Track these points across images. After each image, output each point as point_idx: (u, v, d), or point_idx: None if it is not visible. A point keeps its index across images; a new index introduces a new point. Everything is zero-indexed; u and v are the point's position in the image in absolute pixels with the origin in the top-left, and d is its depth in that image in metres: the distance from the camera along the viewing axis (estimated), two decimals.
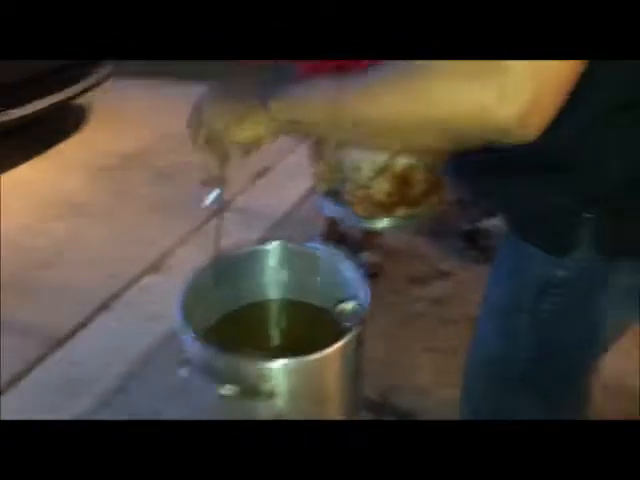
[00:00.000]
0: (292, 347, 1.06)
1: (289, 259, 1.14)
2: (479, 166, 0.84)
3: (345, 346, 0.93)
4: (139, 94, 4.17)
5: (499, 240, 0.95)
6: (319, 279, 1.10)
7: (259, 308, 1.16)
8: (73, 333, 2.11)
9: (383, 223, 1.71)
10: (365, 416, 1.12)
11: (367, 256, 2.27)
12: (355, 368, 1.02)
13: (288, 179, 3.00)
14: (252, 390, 0.91)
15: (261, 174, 3.08)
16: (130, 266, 2.40)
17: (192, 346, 0.96)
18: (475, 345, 1.03)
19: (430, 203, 1.48)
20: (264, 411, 0.96)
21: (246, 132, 0.87)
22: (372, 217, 1.72)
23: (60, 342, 2.07)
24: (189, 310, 0.99)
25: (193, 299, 1.02)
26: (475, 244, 2.38)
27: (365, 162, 1.51)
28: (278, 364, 0.93)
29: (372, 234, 2.28)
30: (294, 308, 1.15)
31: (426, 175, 1.46)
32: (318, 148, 1.79)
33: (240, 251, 1.14)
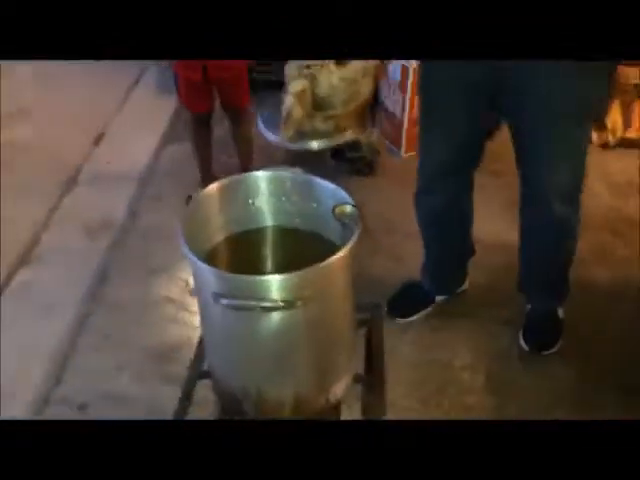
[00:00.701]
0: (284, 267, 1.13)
1: (279, 186, 1.20)
2: None
3: (353, 247, 1.03)
4: None
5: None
6: (314, 205, 1.17)
7: (253, 235, 1.22)
8: None
9: (307, 145, 1.86)
10: None
11: None
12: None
13: (128, 139, 2.74)
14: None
15: (98, 140, 2.77)
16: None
17: (201, 268, 1.03)
18: None
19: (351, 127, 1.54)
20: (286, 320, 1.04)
21: None
22: (295, 140, 1.87)
23: None
24: (188, 235, 1.05)
25: (190, 225, 1.09)
26: (343, 158, 2.45)
27: (289, 90, 1.59)
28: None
29: None
30: (286, 234, 1.22)
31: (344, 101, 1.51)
32: None
33: (231, 180, 1.19)
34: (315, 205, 1.18)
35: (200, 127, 2.22)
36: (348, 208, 1.09)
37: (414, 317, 1.88)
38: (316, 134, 1.36)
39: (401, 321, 1.87)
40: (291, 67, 1.36)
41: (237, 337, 1.09)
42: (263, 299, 0.99)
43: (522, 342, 1.80)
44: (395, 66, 2.41)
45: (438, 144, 1.57)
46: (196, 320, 1.86)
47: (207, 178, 2.35)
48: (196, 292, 1.16)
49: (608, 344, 1.81)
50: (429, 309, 1.90)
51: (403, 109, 2.46)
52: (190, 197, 2.09)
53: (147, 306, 1.99)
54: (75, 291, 2.00)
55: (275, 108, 1.46)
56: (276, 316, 1.02)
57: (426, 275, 1.89)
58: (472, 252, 1.88)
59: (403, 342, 1.81)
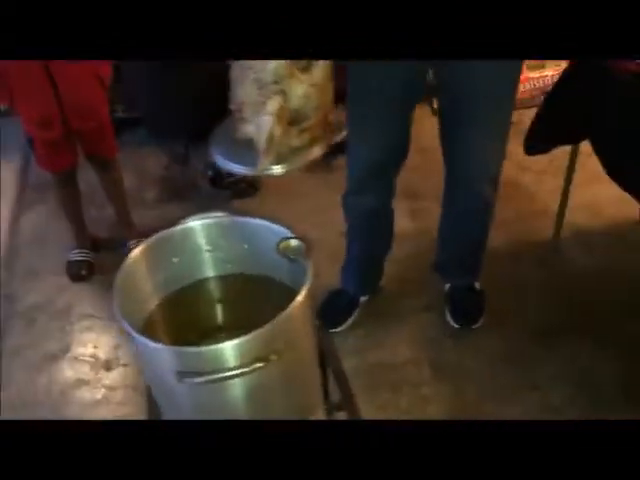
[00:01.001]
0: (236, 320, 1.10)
1: (212, 234, 1.13)
2: None
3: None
4: None
5: None
6: (246, 246, 1.11)
7: (195, 288, 1.14)
8: None
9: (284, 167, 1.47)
10: None
11: None
12: None
13: None
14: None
15: None
16: None
17: (157, 349, 0.93)
18: None
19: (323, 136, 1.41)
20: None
21: None
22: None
23: None
24: (125, 303, 0.96)
25: (127, 290, 1.00)
26: (223, 185, 2.46)
27: (268, 111, 1.38)
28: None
29: None
30: (229, 281, 1.15)
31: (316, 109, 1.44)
32: None
33: (156, 238, 1.10)
34: (246, 246, 1.11)
35: (66, 186, 2.01)
36: (293, 242, 1.03)
37: (346, 325, 1.87)
38: (290, 153, 1.27)
39: (334, 330, 1.84)
40: (246, 90, 1.25)
41: (210, 407, 0.99)
42: (239, 365, 0.90)
43: (451, 321, 1.85)
44: None
45: (369, 145, 1.56)
46: (128, 397, 1.70)
47: (82, 239, 2.15)
48: (149, 373, 1.03)
49: (523, 304, 1.92)
50: (356, 313, 1.89)
51: None
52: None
53: (61, 396, 1.76)
54: None
55: (227, 137, 1.35)
56: (252, 376, 0.93)
57: (349, 278, 1.89)
58: (389, 248, 1.89)
59: (345, 352, 1.78)
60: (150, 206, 2.44)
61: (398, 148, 1.61)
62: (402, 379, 1.71)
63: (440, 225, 1.82)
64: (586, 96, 1.58)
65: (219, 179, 2.40)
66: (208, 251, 1.10)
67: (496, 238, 2.10)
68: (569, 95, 1.66)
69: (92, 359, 1.84)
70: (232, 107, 1.33)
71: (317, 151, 1.29)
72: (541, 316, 1.86)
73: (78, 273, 2.08)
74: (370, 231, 1.77)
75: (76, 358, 1.85)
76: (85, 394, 1.74)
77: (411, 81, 1.48)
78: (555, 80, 2.67)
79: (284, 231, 1.04)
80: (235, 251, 1.10)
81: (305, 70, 1.21)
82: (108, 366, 1.81)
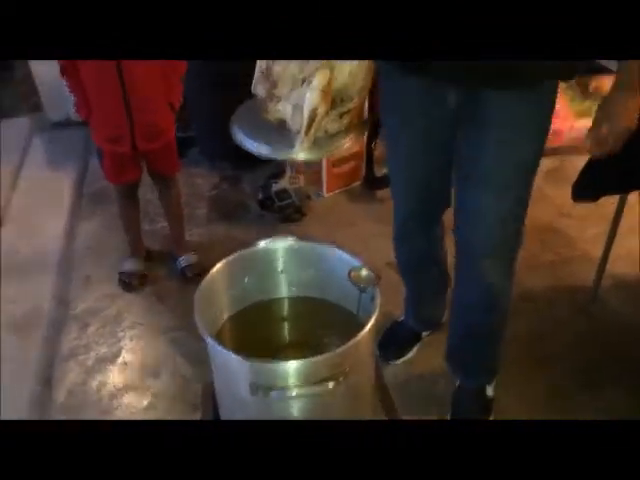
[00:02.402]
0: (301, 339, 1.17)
1: (286, 257, 1.19)
2: None
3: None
4: None
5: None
6: (316, 271, 1.16)
7: (265, 306, 1.21)
8: None
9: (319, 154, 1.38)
10: None
11: None
12: None
13: (33, 222, 2.55)
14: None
15: None
16: None
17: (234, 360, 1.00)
18: None
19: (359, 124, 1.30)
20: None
21: None
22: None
23: None
24: (203, 314, 1.04)
25: (206, 301, 1.08)
26: (272, 208, 2.51)
27: (314, 86, 1.23)
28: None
29: None
30: (297, 303, 1.22)
31: (359, 91, 1.25)
32: None
33: (246, 252, 1.18)
34: (317, 271, 1.17)
35: (128, 199, 2.11)
36: (364, 272, 1.08)
37: (406, 357, 1.88)
38: (325, 138, 1.15)
39: (395, 362, 1.86)
40: (285, 64, 1.13)
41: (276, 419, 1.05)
42: (309, 382, 0.97)
43: None
44: None
45: (407, 197, 1.54)
46: (173, 405, 1.76)
47: (137, 250, 2.25)
48: (221, 381, 1.10)
49: (562, 350, 1.93)
50: (416, 347, 1.90)
51: None
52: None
53: (109, 400, 1.84)
54: (17, 401, 1.79)
55: (253, 118, 1.24)
56: (320, 394, 1.00)
57: (409, 312, 1.90)
58: (449, 284, 1.81)
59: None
60: (199, 224, 2.53)
61: (439, 198, 1.56)
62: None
63: (451, 311, 1.67)
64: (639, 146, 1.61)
65: (269, 202, 2.49)
66: (280, 273, 1.17)
67: (535, 281, 2.15)
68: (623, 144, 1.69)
69: (141, 366, 1.92)
70: (257, 89, 1.21)
71: (353, 138, 1.15)
72: (579, 364, 1.86)
73: (131, 283, 2.17)
74: (422, 273, 1.76)
75: (126, 364, 1.93)
76: (133, 400, 1.82)
77: (442, 131, 1.36)
78: None
79: (354, 260, 1.11)
80: (305, 275, 1.17)
81: None
82: (155, 374, 1.88)
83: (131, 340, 2.01)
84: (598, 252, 2.09)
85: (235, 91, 2.50)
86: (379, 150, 2.62)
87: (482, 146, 1.29)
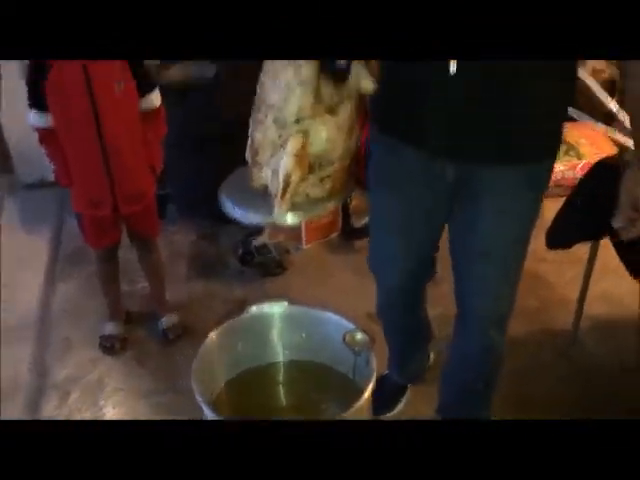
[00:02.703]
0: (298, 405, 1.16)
1: (278, 323, 1.19)
2: None
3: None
4: None
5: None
6: (309, 335, 1.17)
7: (260, 371, 1.22)
8: None
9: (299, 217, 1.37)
10: None
11: None
12: None
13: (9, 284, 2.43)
14: None
15: None
16: None
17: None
18: None
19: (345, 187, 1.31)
20: None
21: None
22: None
23: None
24: (200, 383, 1.05)
25: (202, 370, 1.09)
26: (252, 263, 2.51)
27: (287, 151, 1.25)
28: None
29: None
30: (291, 367, 1.23)
31: (341, 156, 1.25)
32: None
33: (239, 318, 1.19)
34: (310, 335, 1.18)
35: (107, 262, 2.10)
36: (358, 335, 1.09)
37: (396, 409, 1.88)
38: (307, 203, 1.15)
39: (386, 416, 1.84)
40: (265, 131, 1.13)
41: None
42: None
43: None
44: None
45: (393, 264, 1.50)
46: None
47: (117, 312, 2.22)
48: None
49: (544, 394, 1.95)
50: (404, 399, 1.90)
51: None
52: None
53: None
54: None
55: (240, 186, 1.23)
56: None
57: (394, 369, 1.89)
58: (431, 337, 1.86)
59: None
60: (179, 281, 2.50)
61: (426, 270, 1.58)
62: None
63: (443, 368, 1.72)
64: (608, 195, 1.66)
65: (249, 257, 2.49)
66: (274, 338, 1.17)
67: (517, 327, 2.17)
68: (591, 194, 1.74)
69: None
70: (247, 155, 1.22)
71: (335, 203, 1.19)
72: (560, 407, 1.88)
73: (113, 347, 2.13)
74: (406, 334, 1.76)
75: None
76: None
77: (434, 203, 1.37)
78: (568, 174, 2.82)
79: (348, 324, 1.11)
80: (299, 339, 1.17)
81: (332, 111, 1.10)
82: None
83: (114, 407, 1.96)
84: (575, 294, 2.13)
85: (214, 151, 2.55)
86: (356, 201, 2.66)
87: (481, 217, 1.32)
